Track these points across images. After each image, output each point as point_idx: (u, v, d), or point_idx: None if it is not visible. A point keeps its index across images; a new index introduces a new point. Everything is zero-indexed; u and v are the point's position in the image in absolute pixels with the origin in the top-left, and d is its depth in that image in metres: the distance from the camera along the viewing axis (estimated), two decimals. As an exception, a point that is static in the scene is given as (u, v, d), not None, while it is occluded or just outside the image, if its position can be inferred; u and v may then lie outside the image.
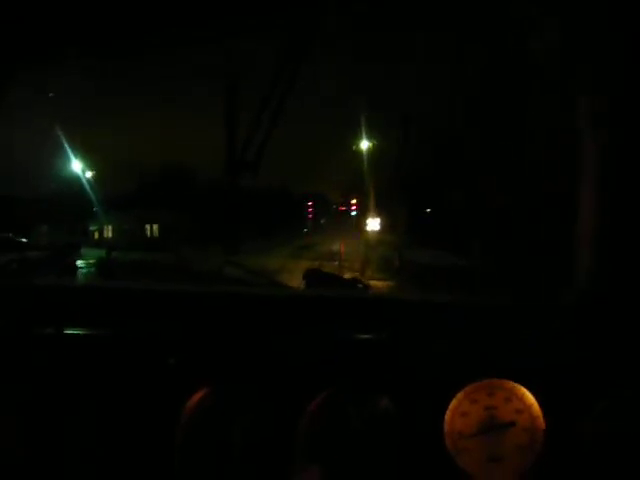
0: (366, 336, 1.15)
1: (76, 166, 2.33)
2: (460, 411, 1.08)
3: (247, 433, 1.13)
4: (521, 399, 1.07)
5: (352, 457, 1.09)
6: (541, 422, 1.05)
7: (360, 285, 1.58)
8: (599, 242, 1.11)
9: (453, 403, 1.08)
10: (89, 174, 2.44)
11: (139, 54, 1.61)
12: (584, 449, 1.04)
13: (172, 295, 1.39)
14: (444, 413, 1.08)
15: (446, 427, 1.08)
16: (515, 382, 1.07)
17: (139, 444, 1.15)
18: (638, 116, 1.05)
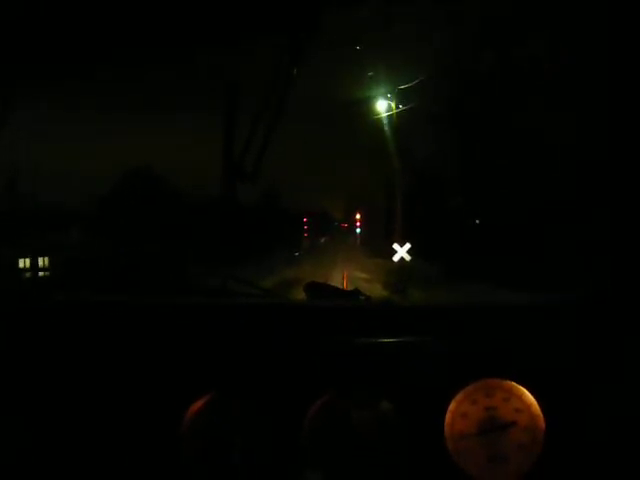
0: (364, 340, 1.17)
1: None
2: (460, 412, 1.09)
3: (247, 440, 1.14)
4: (520, 398, 1.08)
5: (353, 461, 1.10)
6: (541, 421, 1.07)
7: (362, 297, 1.59)
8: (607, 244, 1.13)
9: (453, 404, 1.09)
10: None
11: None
12: (585, 447, 1.05)
13: (174, 308, 1.41)
14: (444, 415, 1.09)
15: (446, 428, 1.09)
16: (514, 382, 1.09)
17: (138, 451, 1.16)
18: None
